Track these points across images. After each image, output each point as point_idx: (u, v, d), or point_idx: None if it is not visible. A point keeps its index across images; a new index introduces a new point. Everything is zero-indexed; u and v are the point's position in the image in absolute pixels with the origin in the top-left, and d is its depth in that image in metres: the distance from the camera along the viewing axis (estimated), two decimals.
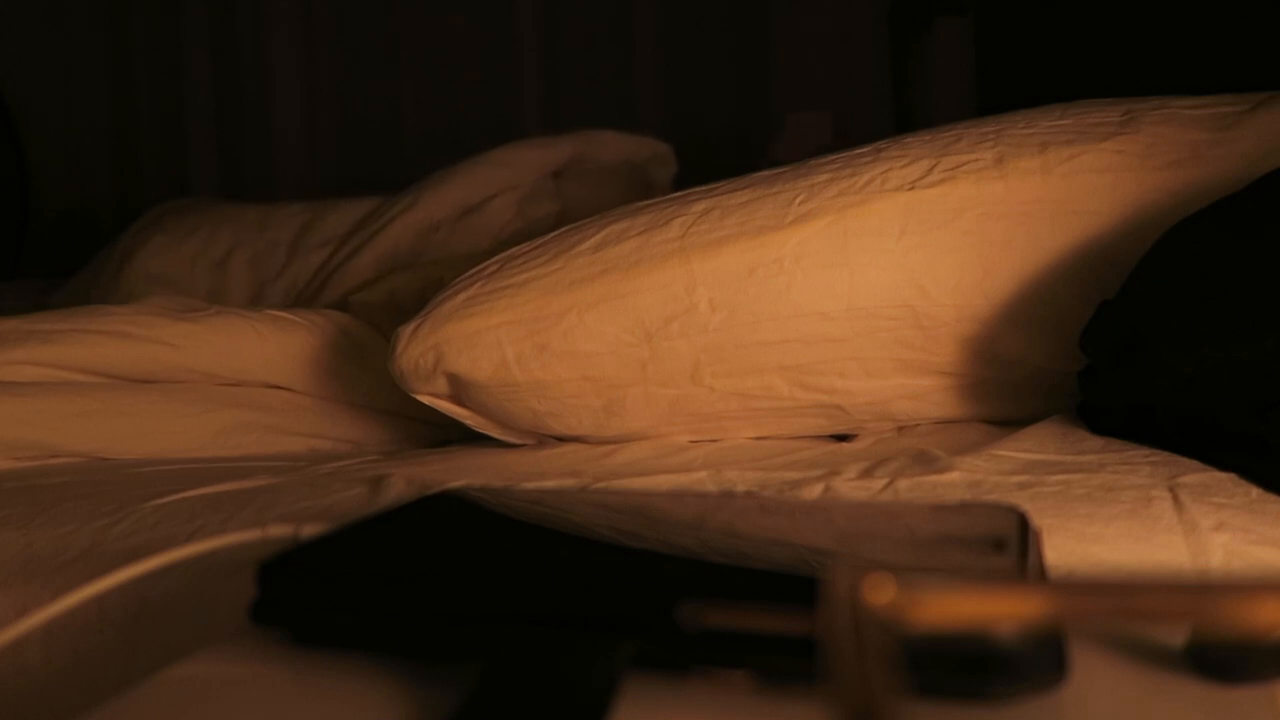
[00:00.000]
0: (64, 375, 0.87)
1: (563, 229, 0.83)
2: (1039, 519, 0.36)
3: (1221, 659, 0.26)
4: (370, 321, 0.99)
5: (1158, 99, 0.80)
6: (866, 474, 0.60)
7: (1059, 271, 0.72)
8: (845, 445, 0.76)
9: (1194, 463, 0.58)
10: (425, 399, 0.81)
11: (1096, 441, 0.65)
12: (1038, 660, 0.25)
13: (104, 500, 0.63)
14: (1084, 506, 0.50)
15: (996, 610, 0.18)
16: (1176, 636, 0.27)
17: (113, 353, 0.88)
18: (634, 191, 1.27)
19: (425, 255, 1.21)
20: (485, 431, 0.82)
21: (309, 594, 0.30)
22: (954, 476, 0.58)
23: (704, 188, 0.81)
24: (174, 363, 0.89)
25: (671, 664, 0.26)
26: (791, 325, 0.73)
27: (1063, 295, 0.72)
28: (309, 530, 0.38)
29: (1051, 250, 0.72)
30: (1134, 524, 0.48)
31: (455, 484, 0.62)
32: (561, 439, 0.82)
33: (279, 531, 0.38)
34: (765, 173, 0.81)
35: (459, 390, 0.79)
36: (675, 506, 0.40)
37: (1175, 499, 0.51)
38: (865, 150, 0.80)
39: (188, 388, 0.90)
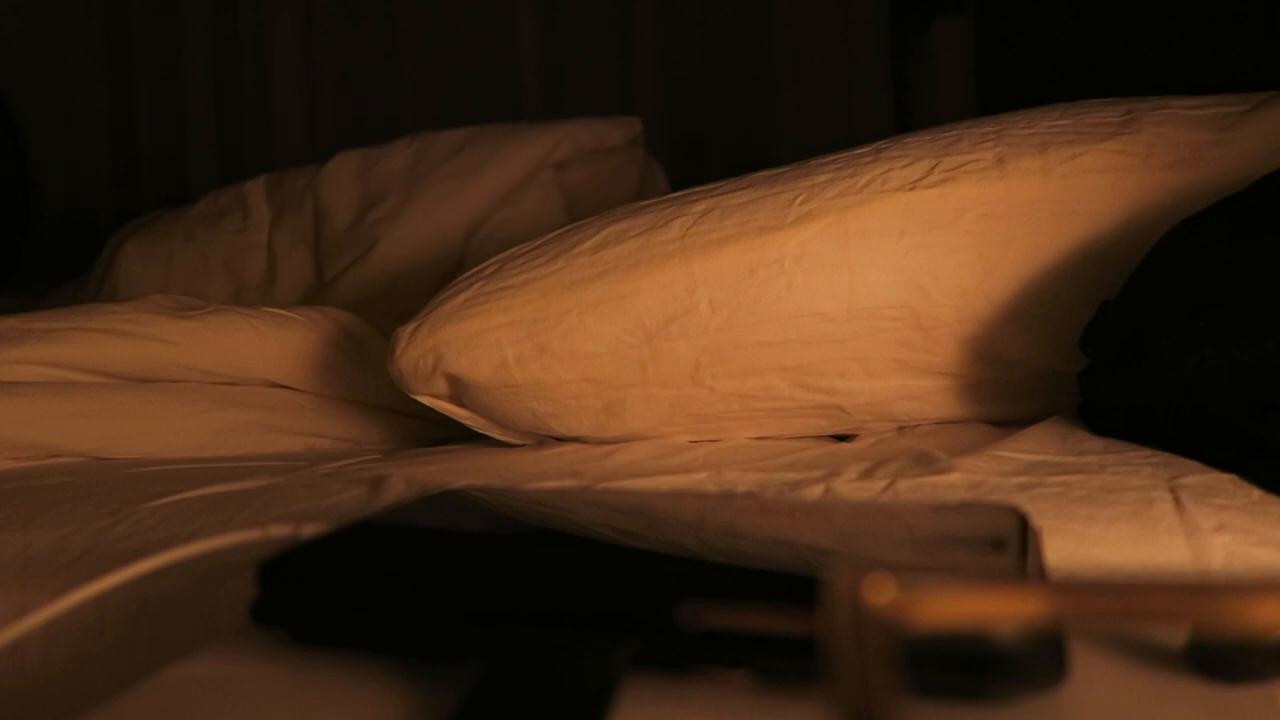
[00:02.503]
0: (62, 374, 0.87)
1: (562, 229, 0.83)
2: (1040, 521, 0.36)
3: (1221, 659, 0.26)
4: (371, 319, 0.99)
5: (1158, 99, 0.80)
6: (867, 475, 0.60)
7: (1060, 271, 0.72)
8: (845, 446, 0.76)
9: (1195, 464, 0.58)
10: (425, 400, 0.81)
11: (1097, 442, 0.65)
12: (1038, 660, 0.25)
13: (103, 501, 0.63)
14: (1085, 508, 0.50)
15: (996, 610, 0.18)
16: (1176, 636, 0.27)
17: (111, 351, 0.88)
18: (635, 168, 1.28)
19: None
20: (485, 432, 0.82)
21: (309, 594, 0.30)
22: (954, 478, 0.58)
23: (704, 188, 0.81)
24: (172, 360, 0.89)
25: (671, 664, 0.26)
26: (792, 326, 0.73)
27: (1064, 295, 0.71)
28: (309, 530, 0.38)
29: (1053, 250, 0.72)
30: (1135, 526, 0.48)
31: (455, 484, 0.62)
32: (561, 439, 0.82)
33: (279, 531, 0.38)
34: (765, 173, 0.81)
35: (459, 391, 0.79)
36: (675, 506, 0.40)
37: (1176, 500, 0.51)
38: (865, 150, 0.80)
39: (187, 387, 0.90)
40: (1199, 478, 0.55)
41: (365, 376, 0.93)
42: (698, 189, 0.82)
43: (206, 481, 0.67)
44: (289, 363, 0.93)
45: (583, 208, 1.23)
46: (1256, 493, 0.53)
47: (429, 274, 1.18)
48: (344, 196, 1.33)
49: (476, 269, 0.82)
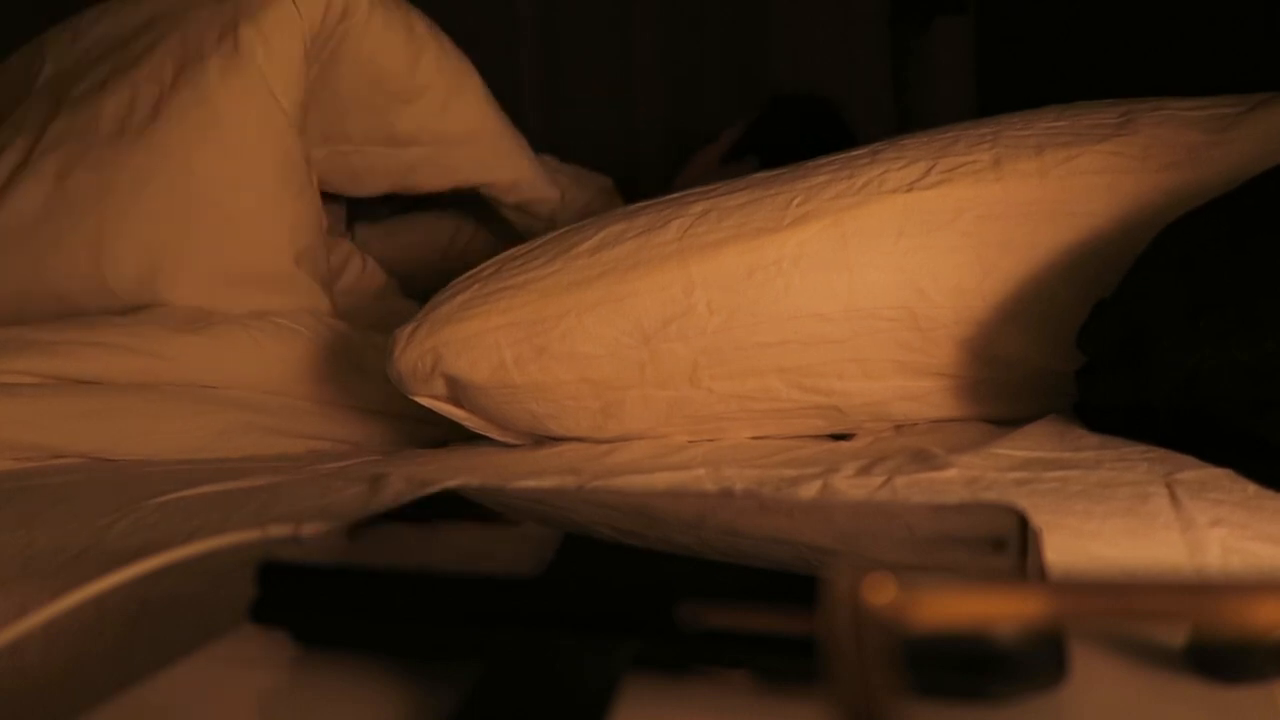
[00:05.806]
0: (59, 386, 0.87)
1: (561, 230, 0.84)
2: (1036, 516, 0.36)
3: (1221, 659, 0.26)
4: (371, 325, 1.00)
5: (1155, 100, 0.80)
6: (864, 471, 0.60)
7: (1058, 272, 0.72)
8: (843, 444, 0.76)
9: (1190, 459, 0.58)
10: (424, 401, 0.81)
11: (1094, 439, 0.65)
12: (1038, 660, 0.25)
13: (104, 500, 0.63)
14: (1081, 503, 0.50)
15: (996, 610, 0.18)
16: (1176, 636, 0.27)
17: (110, 366, 0.88)
18: None
19: None
20: (484, 433, 0.82)
21: (309, 594, 0.30)
22: (952, 474, 0.58)
23: (702, 189, 0.81)
24: (170, 377, 0.89)
25: (671, 664, 0.26)
26: (790, 327, 0.73)
27: (1062, 296, 0.72)
28: (309, 530, 0.38)
29: (1050, 251, 0.72)
30: (1131, 520, 0.48)
31: (454, 483, 0.62)
32: (560, 439, 0.82)
33: (279, 531, 0.38)
34: (763, 174, 0.81)
35: (457, 392, 0.79)
36: (675, 506, 0.40)
37: (1172, 495, 0.51)
38: (863, 152, 0.80)
39: (188, 389, 0.90)
40: (1195, 473, 0.55)
41: (365, 386, 0.93)
42: (696, 190, 0.82)
43: (207, 481, 0.67)
44: (289, 375, 0.93)
45: None
46: (1252, 487, 0.53)
47: None
48: None
49: (475, 270, 0.82)
